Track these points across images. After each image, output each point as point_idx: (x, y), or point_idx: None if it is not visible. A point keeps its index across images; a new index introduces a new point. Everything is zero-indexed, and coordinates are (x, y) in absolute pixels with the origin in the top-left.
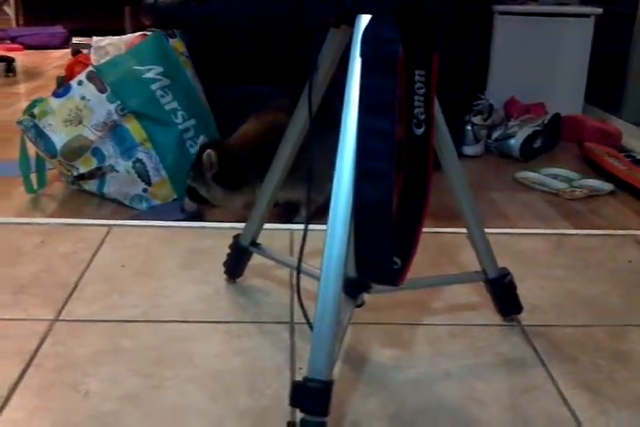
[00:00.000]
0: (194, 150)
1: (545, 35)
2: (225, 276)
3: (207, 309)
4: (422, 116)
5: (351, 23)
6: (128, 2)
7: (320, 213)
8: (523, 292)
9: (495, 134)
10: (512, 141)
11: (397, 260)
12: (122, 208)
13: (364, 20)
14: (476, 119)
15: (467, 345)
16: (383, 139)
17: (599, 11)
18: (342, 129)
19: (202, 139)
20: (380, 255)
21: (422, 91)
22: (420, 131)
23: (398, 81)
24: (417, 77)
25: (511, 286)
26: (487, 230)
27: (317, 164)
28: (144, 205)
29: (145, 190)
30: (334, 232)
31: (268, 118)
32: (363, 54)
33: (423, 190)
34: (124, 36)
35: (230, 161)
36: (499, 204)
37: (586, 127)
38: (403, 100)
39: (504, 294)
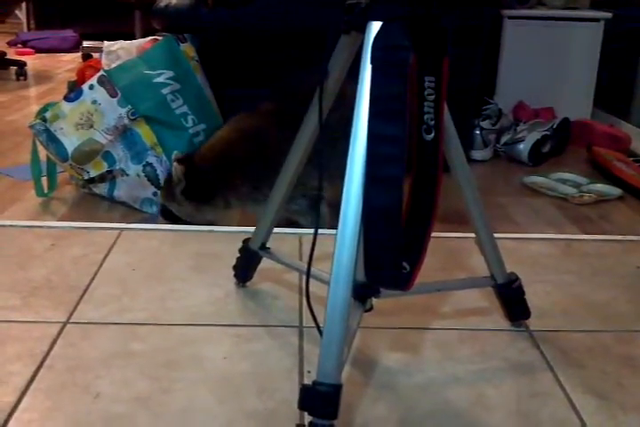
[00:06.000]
0: None
1: (554, 39)
2: (234, 279)
3: (217, 312)
4: (432, 122)
5: (362, 30)
6: (138, 6)
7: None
8: (531, 297)
9: (504, 139)
10: (521, 146)
11: (406, 265)
12: (132, 211)
13: (375, 26)
14: (485, 124)
15: (475, 350)
16: (394, 144)
17: (608, 15)
18: (352, 135)
19: (175, 154)
20: (389, 260)
21: (432, 97)
22: (429, 136)
23: (408, 87)
24: (427, 84)
25: (519, 292)
26: (496, 235)
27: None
28: (154, 209)
29: (155, 194)
30: (344, 237)
31: (244, 124)
32: (373, 61)
33: (432, 196)
34: (135, 41)
35: (196, 173)
36: (507, 208)
37: (595, 132)
38: (413, 105)
39: (512, 300)
